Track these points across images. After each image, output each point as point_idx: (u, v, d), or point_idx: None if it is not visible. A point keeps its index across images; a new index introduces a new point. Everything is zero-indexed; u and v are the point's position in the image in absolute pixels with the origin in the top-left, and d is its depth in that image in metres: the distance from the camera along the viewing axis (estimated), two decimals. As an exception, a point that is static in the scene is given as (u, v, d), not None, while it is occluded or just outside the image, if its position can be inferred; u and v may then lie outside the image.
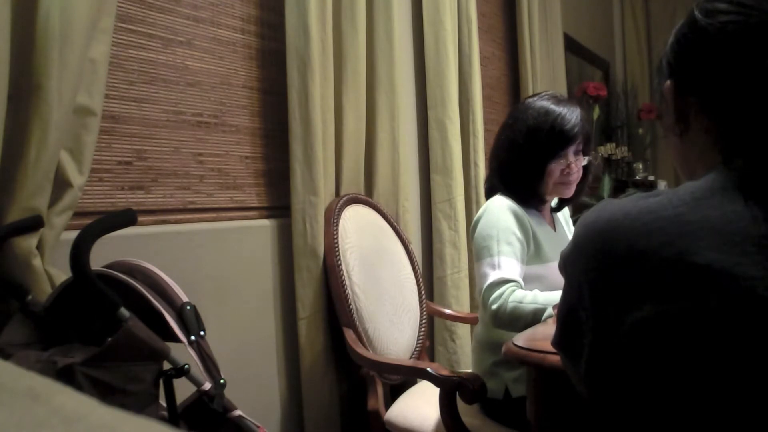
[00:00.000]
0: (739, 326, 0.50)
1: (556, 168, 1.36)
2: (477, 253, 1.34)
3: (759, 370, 0.49)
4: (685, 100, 0.63)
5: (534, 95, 1.44)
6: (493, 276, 1.26)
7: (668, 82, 0.65)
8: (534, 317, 1.19)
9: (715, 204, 0.54)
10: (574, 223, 1.80)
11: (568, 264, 0.64)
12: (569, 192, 1.43)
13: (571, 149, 1.36)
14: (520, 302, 1.21)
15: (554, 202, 1.55)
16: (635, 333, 0.54)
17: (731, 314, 0.50)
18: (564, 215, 1.61)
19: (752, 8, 0.57)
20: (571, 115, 1.35)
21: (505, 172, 1.40)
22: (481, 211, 1.39)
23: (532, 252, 1.36)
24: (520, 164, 1.37)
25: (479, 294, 1.30)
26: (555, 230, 1.50)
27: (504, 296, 1.23)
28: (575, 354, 0.62)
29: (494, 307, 1.23)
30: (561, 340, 0.66)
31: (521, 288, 1.26)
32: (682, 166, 0.68)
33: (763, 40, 0.55)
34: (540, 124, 1.34)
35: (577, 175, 1.40)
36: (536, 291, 1.23)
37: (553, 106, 1.35)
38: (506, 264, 1.27)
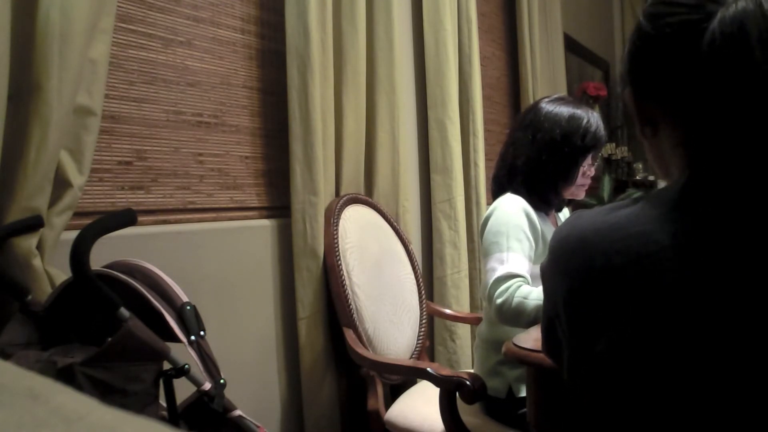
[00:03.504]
0: (701, 342, 0.51)
1: (581, 171, 1.40)
2: (486, 248, 1.33)
3: (726, 384, 0.50)
4: (645, 105, 0.64)
5: (547, 99, 1.44)
6: (500, 271, 1.25)
7: (627, 90, 0.66)
8: (537, 313, 1.18)
9: (676, 217, 0.55)
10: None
11: (545, 278, 0.66)
12: (583, 193, 1.47)
13: (594, 153, 1.41)
14: (525, 298, 1.20)
15: None
16: (607, 355, 0.55)
17: (694, 330, 0.51)
18: (565, 216, 1.62)
19: (682, 6, 0.57)
20: (598, 120, 1.40)
21: (532, 174, 1.40)
22: (491, 208, 1.39)
23: (540, 251, 1.36)
24: (552, 167, 1.38)
25: (485, 289, 1.28)
26: None
27: (510, 291, 1.22)
28: (559, 362, 0.65)
29: (499, 301, 1.22)
30: (546, 347, 0.68)
31: (528, 284, 1.25)
32: (659, 167, 0.68)
33: (694, 36, 0.55)
34: (574, 129, 1.36)
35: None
36: (542, 288, 1.22)
37: (580, 112, 1.38)
38: (514, 260, 1.27)
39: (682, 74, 0.57)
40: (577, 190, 1.44)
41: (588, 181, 1.44)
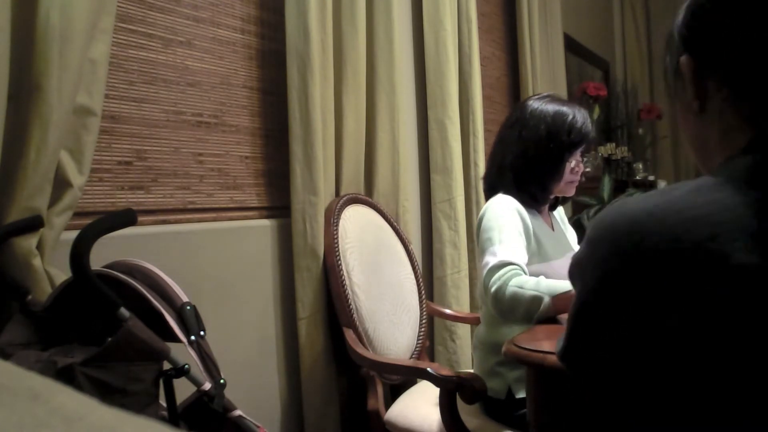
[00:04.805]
0: (760, 335, 0.48)
1: (568, 167, 1.40)
2: (480, 246, 1.32)
3: None
4: (704, 74, 0.59)
5: (535, 97, 1.45)
6: (493, 261, 1.24)
7: (684, 57, 0.61)
8: (532, 304, 1.14)
9: (741, 201, 0.50)
10: (572, 223, 1.80)
11: (584, 266, 0.59)
12: (573, 190, 1.46)
13: (582, 149, 1.40)
14: (521, 287, 1.16)
15: None
16: (673, 335, 0.51)
17: (761, 312, 0.48)
18: (560, 214, 1.62)
19: None
20: (584, 117, 1.40)
21: (520, 172, 1.40)
22: (483, 210, 1.39)
23: (534, 250, 1.36)
24: (538, 164, 1.38)
25: (482, 286, 1.26)
26: (553, 230, 1.50)
27: (504, 278, 1.19)
28: (587, 362, 0.59)
29: (494, 289, 1.19)
30: (573, 347, 0.60)
31: (524, 272, 1.22)
32: (700, 149, 0.62)
33: None
34: (559, 125, 1.36)
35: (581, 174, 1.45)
36: (542, 278, 1.18)
37: (565, 108, 1.38)
38: (508, 249, 1.25)
39: (757, 36, 0.52)
40: (566, 187, 1.44)
41: (577, 178, 1.43)
